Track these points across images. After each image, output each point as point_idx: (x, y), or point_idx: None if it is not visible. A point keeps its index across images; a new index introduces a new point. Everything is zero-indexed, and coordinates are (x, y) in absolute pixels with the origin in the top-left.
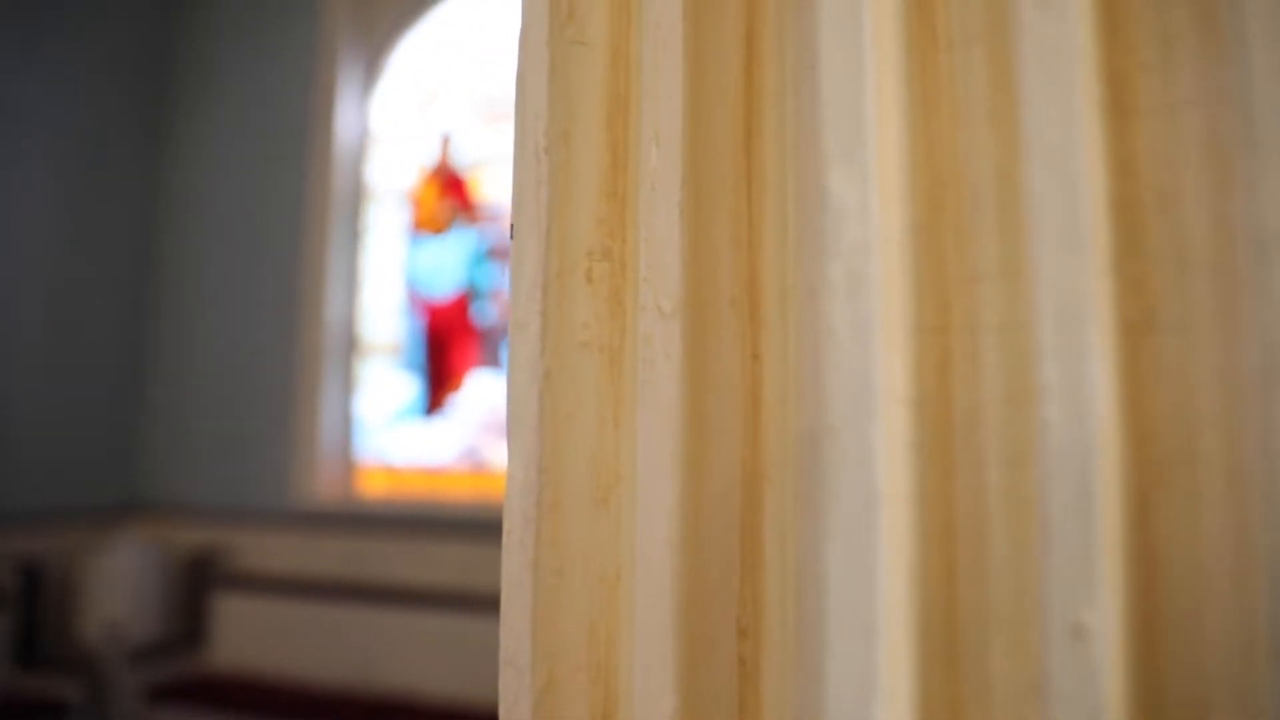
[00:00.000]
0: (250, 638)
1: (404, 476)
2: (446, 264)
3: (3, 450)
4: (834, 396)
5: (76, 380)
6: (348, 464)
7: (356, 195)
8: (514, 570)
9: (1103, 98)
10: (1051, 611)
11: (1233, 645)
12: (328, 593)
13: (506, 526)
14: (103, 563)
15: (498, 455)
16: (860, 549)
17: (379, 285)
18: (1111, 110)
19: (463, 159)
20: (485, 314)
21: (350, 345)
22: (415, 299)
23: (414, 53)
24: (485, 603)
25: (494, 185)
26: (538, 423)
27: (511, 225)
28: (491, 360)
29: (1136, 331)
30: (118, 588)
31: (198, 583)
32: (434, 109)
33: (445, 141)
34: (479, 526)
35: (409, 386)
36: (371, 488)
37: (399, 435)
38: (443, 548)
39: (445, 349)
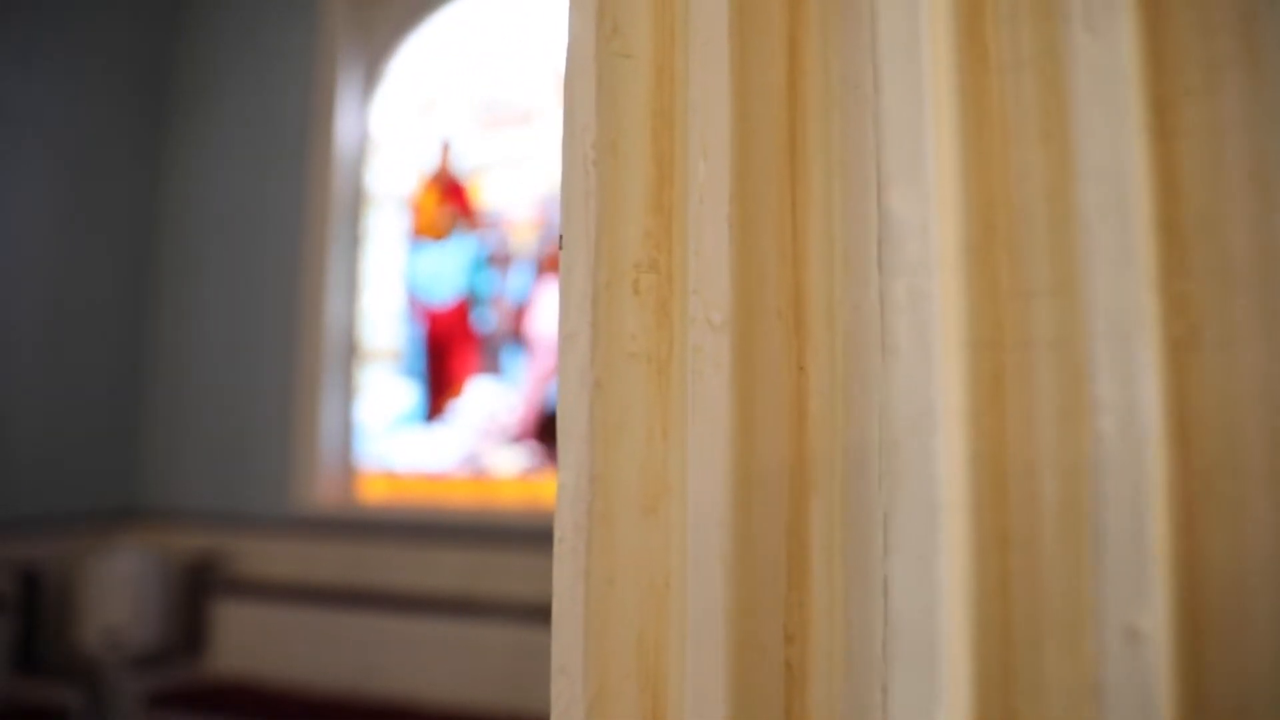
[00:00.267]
0: (250, 644)
1: (404, 482)
2: (446, 270)
3: (2, 455)
4: (896, 410)
5: (76, 385)
6: (348, 470)
7: (356, 201)
8: (566, 579)
9: (1149, 121)
10: (1106, 616)
11: (1274, 648)
12: (328, 599)
13: (558, 535)
14: (102, 569)
15: (498, 461)
16: (924, 558)
17: (379, 291)
18: (1157, 133)
19: (463, 165)
20: (485, 320)
21: (350, 351)
22: (415, 305)
23: (414, 58)
24: (486, 608)
25: (494, 191)
26: (588, 432)
27: (560, 237)
28: (491, 366)
29: (1182, 348)
30: (117, 594)
31: (198, 589)
32: (434, 115)
33: (445, 147)
34: (479, 532)
35: (409, 392)
36: (372, 494)
37: (399, 441)
38: (443, 554)
39: (445, 355)
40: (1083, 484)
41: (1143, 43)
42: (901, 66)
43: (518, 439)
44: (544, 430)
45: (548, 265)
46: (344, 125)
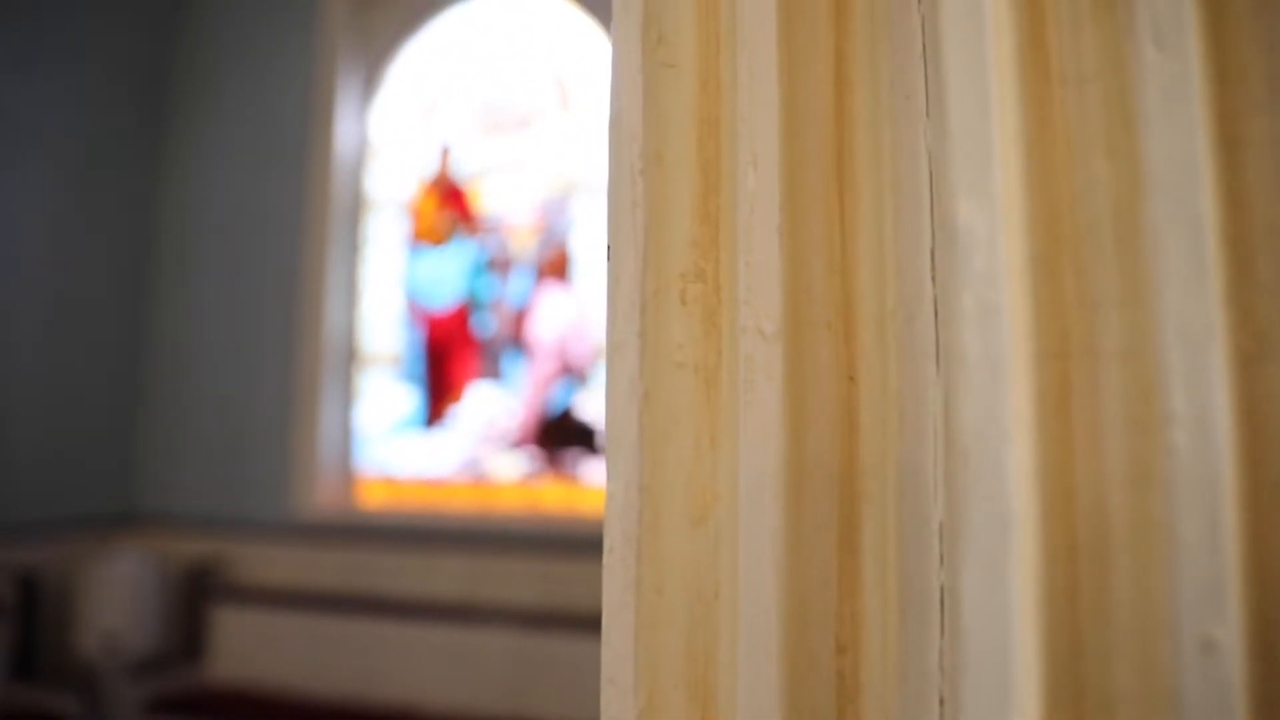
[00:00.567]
0: (249, 650)
1: (404, 488)
2: (446, 275)
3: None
4: (965, 420)
5: (74, 389)
6: (347, 475)
7: (356, 205)
8: (615, 589)
9: (1216, 133)
10: (1181, 627)
11: None
12: (327, 604)
13: (607, 545)
14: (100, 574)
15: (498, 467)
16: (995, 568)
17: (378, 296)
18: (1222, 144)
19: (462, 169)
20: (485, 325)
21: (349, 356)
22: (415, 310)
23: (413, 63)
24: (486, 614)
25: (494, 196)
26: (637, 442)
27: (607, 246)
28: (491, 372)
29: (1250, 360)
30: (116, 600)
31: (196, 594)
32: (433, 119)
33: (445, 152)
34: (479, 538)
35: (409, 398)
36: (371, 499)
37: (399, 446)
38: (443, 559)
39: (445, 360)
40: (1154, 495)
41: (1210, 57)
42: (968, 80)
43: (518, 444)
44: (544, 435)
45: (547, 270)
46: (343, 129)
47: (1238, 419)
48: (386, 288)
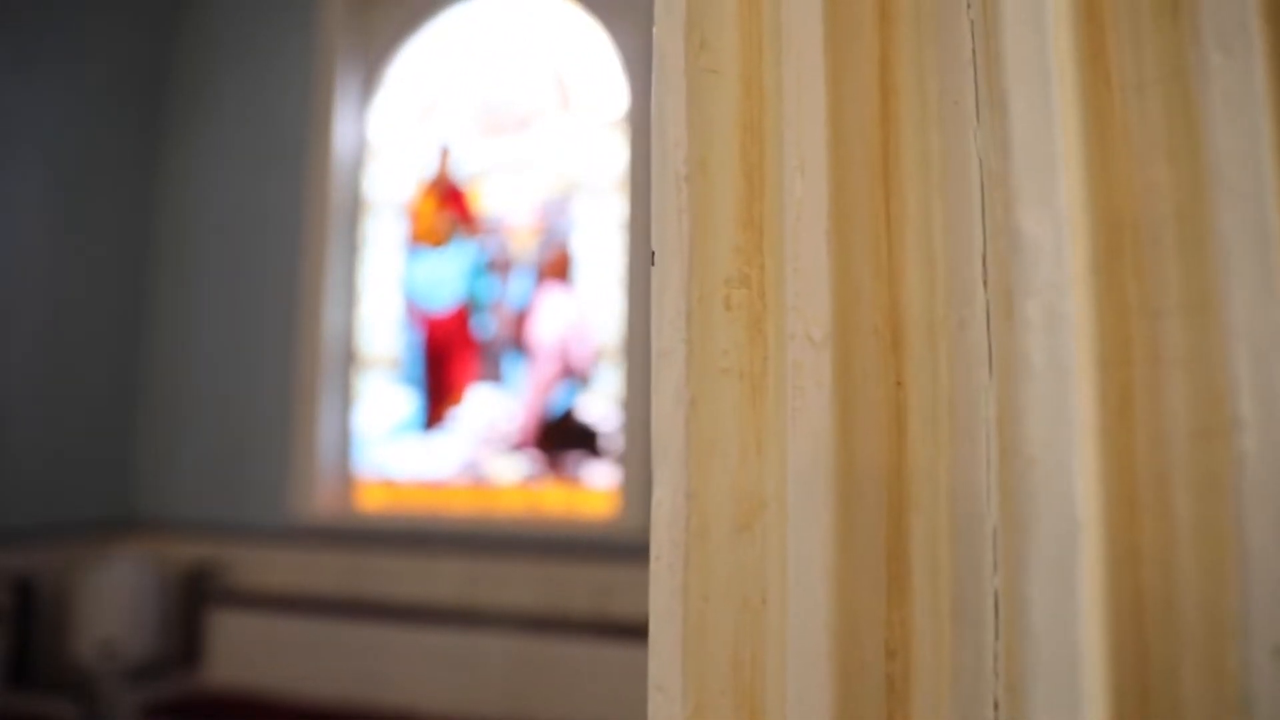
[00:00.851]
0: (248, 654)
1: (403, 491)
2: (446, 277)
3: None
4: (1031, 428)
5: (72, 393)
6: (346, 478)
7: (355, 207)
8: (663, 596)
9: (1277, 137)
10: (1251, 634)
11: None
12: (326, 608)
13: (654, 553)
14: (97, 579)
15: (498, 469)
16: (1063, 575)
17: (377, 298)
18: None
19: (462, 170)
20: (485, 327)
21: (348, 358)
22: (414, 312)
23: (412, 64)
24: (487, 618)
25: (493, 197)
26: (684, 449)
27: (652, 253)
28: (491, 374)
29: None
30: (113, 605)
31: (194, 599)
32: (433, 121)
33: (444, 153)
34: (479, 541)
35: (408, 400)
36: (370, 502)
37: (398, 449)
38: (443, 563)
39: (445, 362)
40: (1222, 501)
41: (1273, 61)
42: (1030, 89)
43: (518, 447)
44: (544, 438)
45: (548, 271)
46: (342, 131)
47: None
48: (385, 290)
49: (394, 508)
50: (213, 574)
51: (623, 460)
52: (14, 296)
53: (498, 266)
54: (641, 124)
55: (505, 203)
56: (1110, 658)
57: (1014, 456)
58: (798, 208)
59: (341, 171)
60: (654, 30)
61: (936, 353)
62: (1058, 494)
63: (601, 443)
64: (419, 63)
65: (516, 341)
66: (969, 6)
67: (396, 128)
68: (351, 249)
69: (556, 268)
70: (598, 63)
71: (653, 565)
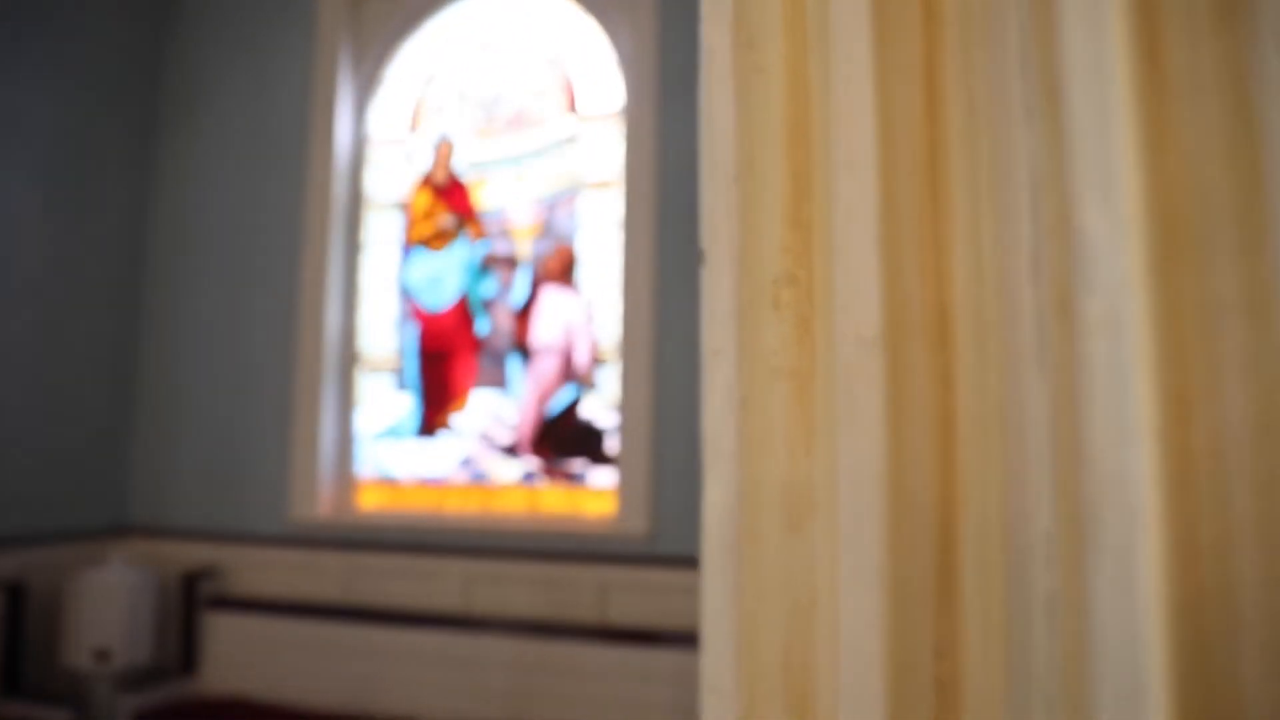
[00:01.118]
0: (245, 660)
1: (403, 492)
2: (445, 276)
3: None
4: (1091, 427)
5: (67, 396)
6: (345, 481)
7: (354, 206)
8: (716, 597)
9: None
10: None
11: None
12: (324, 612)
13: (706, 554)
14: (92, 584)
15: (497, 470)
16: (1126, 575)
17: (377, 298)
18: None
19: (462, 169)
20: (484, 326)
21: (348, 359)
22: (413, 311)
23: (412, 62)
24: (485, 621)
25: (494, 195)
26: (736, 449)
27: (701, 252)
28: (491, 374)
29: None
30: (108, 610)
31: (191, 604)
32: (432, 119)
33: (444, 151)
34: (479, 543)
35: (407, 401)
36: (369, 505)
37: (397, 451)
38: (442, 564)
39: (444, 362)
40: None
41: None
42: (1090, 92)
43: (519, 448)
44: (544, 438)
45: (549, 270)
46: (341, 129)
47: None
48: (385, 289)
49: (393, 510)
50: (210, 577)
51: (620, 461)
52: (9, 296)
53: (498, 266)
54: (636, 122)
55: (506, 201)
56: (1173, 657)
57: (1072, 456)
58: (847, 208)
59: (340, 170)
60: (701, 28)
61: (985, 353)
62: (1118, 494)
63: (605, 444)
64: (419, 61)
65: (516, 342)
66: (1018, 7)
67: (396, 126)
68: (351, 249)
69: (558, 267)
70: (596, 60)
71: (704, 566)
